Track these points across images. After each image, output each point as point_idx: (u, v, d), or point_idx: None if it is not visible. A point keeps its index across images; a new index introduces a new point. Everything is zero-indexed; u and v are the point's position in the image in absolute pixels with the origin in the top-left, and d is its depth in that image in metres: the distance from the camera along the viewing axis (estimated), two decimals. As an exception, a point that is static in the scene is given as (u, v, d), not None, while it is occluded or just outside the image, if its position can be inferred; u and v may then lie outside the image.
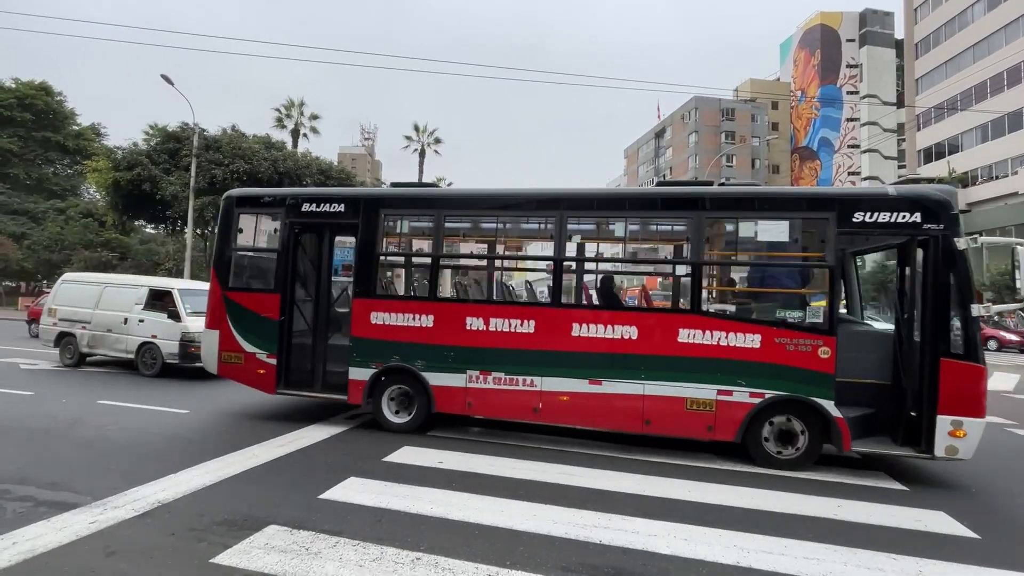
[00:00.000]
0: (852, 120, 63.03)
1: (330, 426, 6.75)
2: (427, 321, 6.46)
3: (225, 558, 3.30)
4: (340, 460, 5.40)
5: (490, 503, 4.38)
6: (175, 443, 5.85)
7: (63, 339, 11.25)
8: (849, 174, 62.97)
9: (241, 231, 7.32)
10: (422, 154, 47.49)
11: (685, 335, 5.74)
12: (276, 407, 7.82)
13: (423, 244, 7.96)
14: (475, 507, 4.27)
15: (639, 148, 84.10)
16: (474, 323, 6.34)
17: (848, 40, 63.08)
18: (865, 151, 59.46)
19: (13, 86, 46.82)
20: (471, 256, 9.11)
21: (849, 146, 63.47)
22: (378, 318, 6.57)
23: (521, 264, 8.40)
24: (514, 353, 6.19)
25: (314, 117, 42.53)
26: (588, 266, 6.83)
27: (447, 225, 7.07)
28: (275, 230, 7.25)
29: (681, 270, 7.08)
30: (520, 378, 6.16)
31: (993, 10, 34.69)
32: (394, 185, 7.81)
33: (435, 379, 6.40)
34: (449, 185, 45.74)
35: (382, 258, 6.89)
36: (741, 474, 5.46)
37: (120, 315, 10.64)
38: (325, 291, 7.43)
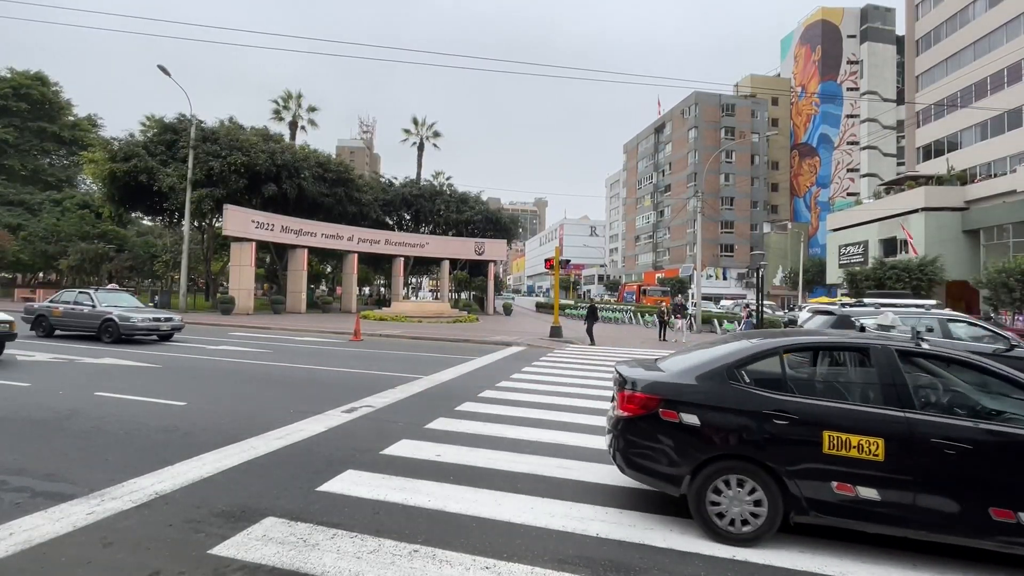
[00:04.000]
0: (852, 117, 63.01)
1: (328, 419, 6.75)
2: None
3: (223, 549, 3.31)
4: (338, 453, 5.41)
5: (487, 496, 4.39)
6: (172, 435, 5.84)
7: None
8: (848, 171, 63.02)
9: None
10: (421, 148, 47.42)
11: None
12: (274, 401, 7.82)
13: None
14: (472, 500, 4.28)
15: (639, 143, 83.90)
16: None
17: (849, 36, 62.97)
18: (864, 148, 59.47)
19: (8, 75, 46.46)
20: None
21: (848, 143, 63.48)
22: None
23: None
24: None
25: (312, 109, 42.37)
26: None
27: None
28: None
29: None
30: None
31: (994, 7, 34.60)
32: None
33: None
34: (448, 180, 45.65)
35: None
36: (738, 469, 5.47)
37: None
38: None
